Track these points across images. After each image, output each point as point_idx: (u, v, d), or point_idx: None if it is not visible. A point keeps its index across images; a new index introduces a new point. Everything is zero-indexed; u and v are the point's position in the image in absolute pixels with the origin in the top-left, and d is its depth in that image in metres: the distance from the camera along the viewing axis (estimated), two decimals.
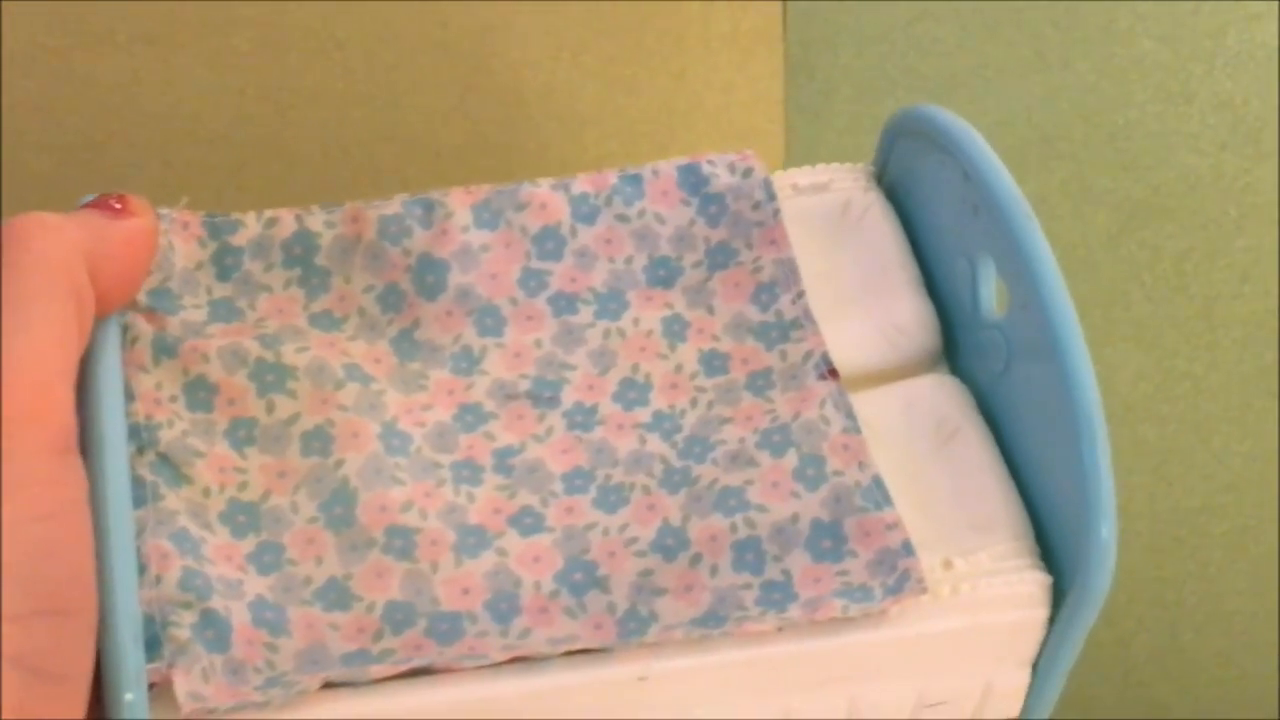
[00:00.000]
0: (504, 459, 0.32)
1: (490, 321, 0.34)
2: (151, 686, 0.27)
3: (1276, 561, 0.58)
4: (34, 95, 0.51)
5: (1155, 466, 0.57)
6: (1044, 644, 0.32)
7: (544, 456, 0.32)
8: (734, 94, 0.53)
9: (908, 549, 0.30)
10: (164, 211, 0.33)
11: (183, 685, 0.27)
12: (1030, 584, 0.31)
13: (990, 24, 0.54)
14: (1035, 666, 0.32)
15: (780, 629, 0.30)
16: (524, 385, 0.33)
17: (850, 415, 0.32)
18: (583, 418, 0.33)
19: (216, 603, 0.28)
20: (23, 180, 0.51)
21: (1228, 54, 0.55)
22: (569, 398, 0.33)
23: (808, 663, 0.30)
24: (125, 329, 0.31)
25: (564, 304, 0.34)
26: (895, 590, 0.30)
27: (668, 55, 0.53)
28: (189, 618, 0.28)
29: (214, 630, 0.28)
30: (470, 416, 0.33)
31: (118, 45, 0.50)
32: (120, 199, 0.29)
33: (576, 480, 0.32)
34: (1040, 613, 0.31)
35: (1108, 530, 0.30)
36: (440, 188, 0.35)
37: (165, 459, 0.30)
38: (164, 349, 0.31)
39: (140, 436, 0.30)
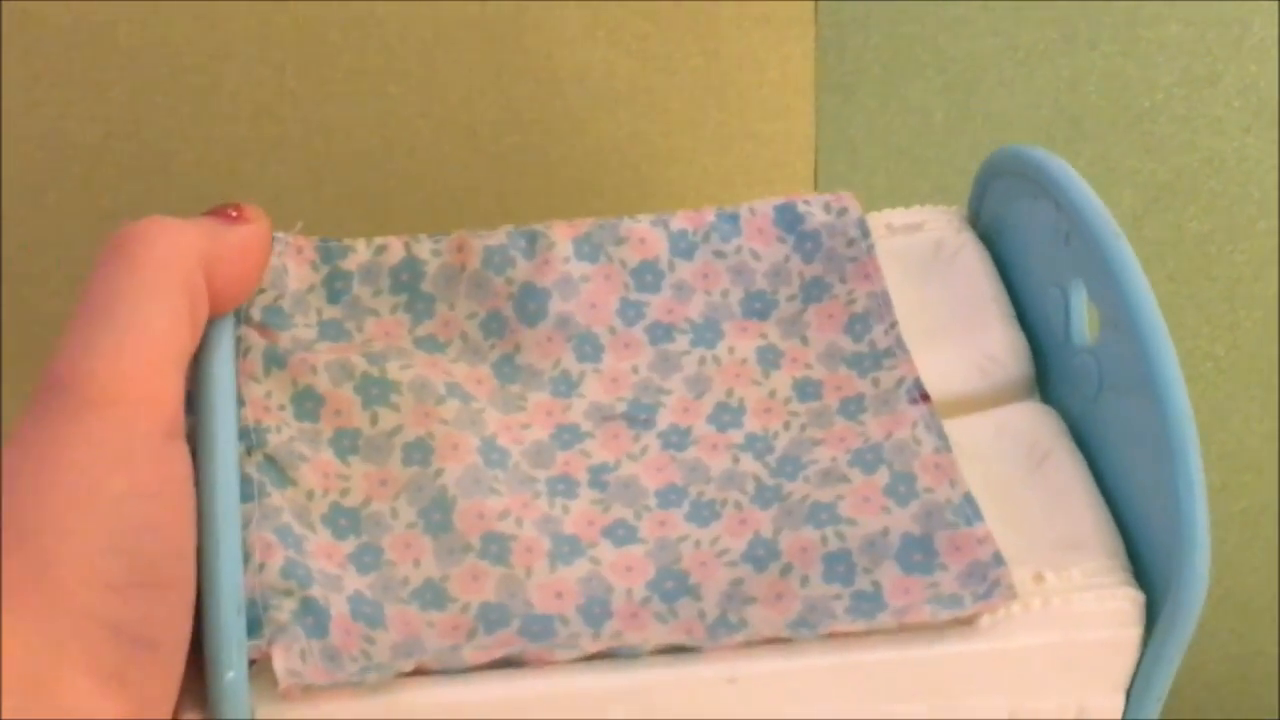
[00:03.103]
0: (599, 475, 0.33)
1: (589, 348, 0.35)
2: (251, 664, 0.28)
3: None
4: (77, 68, 0.51)
5: None
6: (1137, 668, 0.31)
7: (638, 473, 0.33)
8: (766, 73, 0.54)
9: (998, 560, 0.30)
10: (279, 235, 0.34)
11: (281, 662, 0.28)
12: (1123, 600, 0.31)
13: (1018, 7, 0.54)
14: (1129, 694, 0.32)
15: (869, 633, 0.30)
16: (620, 407, 0.34)
17: (942, 436, 0.33)
18: (677, 438, 0.34)
19: (316, 592, 0.29)
20: (68, 153, 0.52)
21: (1253, 38, 0.55)
22: (664, 420, 0.34)
23: (898, 671, 0.30)
24: (239, 340, 0.33)
25: (661, 333, 0.35)
26: (985, 596, 0.30)
27: (701, 34, 0.54)
28: (290, 604, 0.29)
29: (313, 618, 0.29)
30: (567, 435, 0.33)
31: (161, 20, 0.50)
32: (236, 207, 0.31)
33: (670, 496, 0.32)
34: (1133, 632, 0.31)
35: (1202, 560, 0.30)
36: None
37: (272, 460, 0.31)
38: (274, 360, 0.33)
39: (249, 438, 0.31)
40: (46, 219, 0.53)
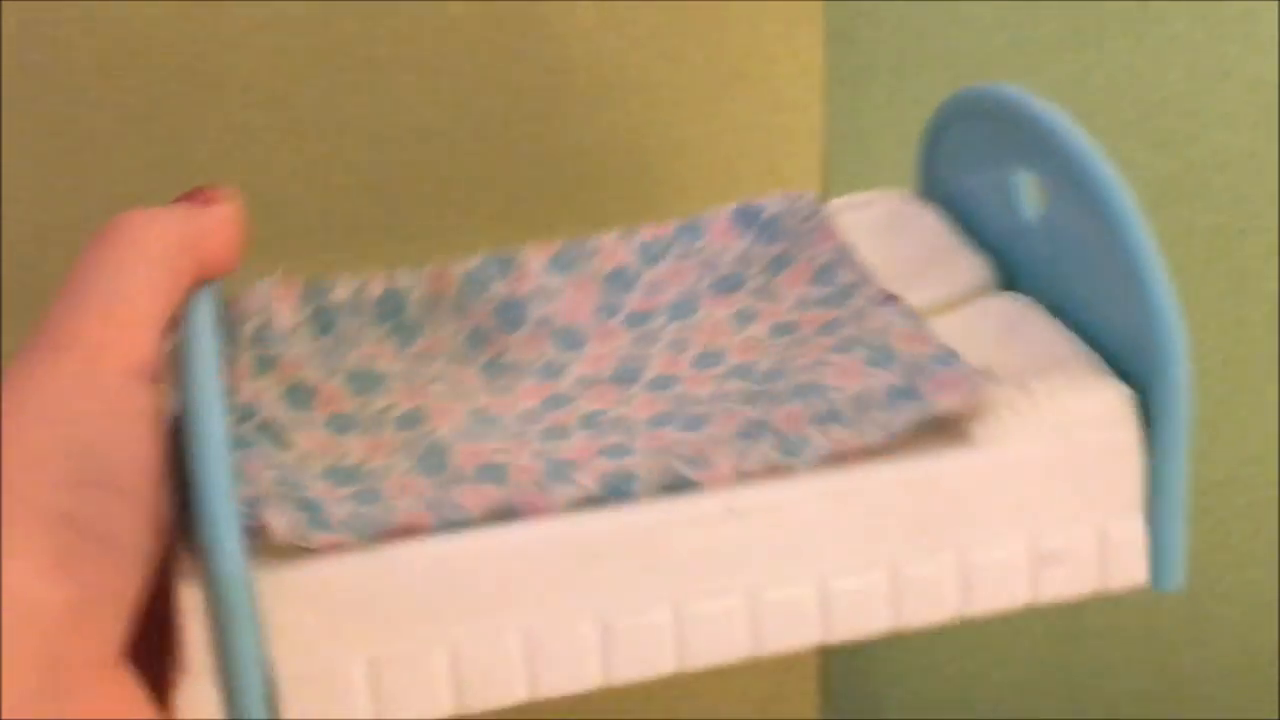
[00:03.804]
0: (590, 419, 0.33)
1: (571, 339, 0.36)
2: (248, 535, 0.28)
3: None
4: (93, 55, 0.52)
5: None
6: (1149, 485, 0.32)
7: (628, 413, 0.33)
8: (776, 65, 0.54)
9: (981, 372, 0.31)
10: (263, 280, 0.36)
11: (276, 521, 0.28)
12: (1112, 396, 0.31)
13: (1027, 1, 0.54)
14: (1149, 518, 0.32)
15: (866, 455, 0.30)
16: (606, 374, 0.35)
17: (914, 317, 0.34)
18: (663, 383, 0.34)
19: (312, 495, 0.30)
20: (82, 140, 0.52)
21: (1262, 34, 0.55)
22: (649, 373, 0.34)
23: (900, 496, 0.31)
24: (229, 352, 0.34)
25: (639, 319, 0.36)
26: (943, 365, 0.31)
27: (711, 25, 0.54)
28: (285, 500, 0.29)
29: (310, 513, 0.29)
30: (556, 400, 0.34)
31: (173, 6, 0.51)
32: (206, 191, 0.33)
33: (661, 419, 0.33)
34: (1130, 434, 0.31)
35: (1179, 344, 0.31)
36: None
37: (267, 427, 0.32)
38: (265, 364, 0.34)
39: (241, 411, 0.32)
40: (56, 206, 0.53)
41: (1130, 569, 0.32)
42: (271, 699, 0.29)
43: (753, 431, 0.31)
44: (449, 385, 0.34)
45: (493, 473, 0.31)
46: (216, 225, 0.33)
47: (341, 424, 0.33)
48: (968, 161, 0.38)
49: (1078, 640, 0.60)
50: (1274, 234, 0.57)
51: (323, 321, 0.36)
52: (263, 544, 0.29)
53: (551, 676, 0.30)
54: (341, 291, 0.36)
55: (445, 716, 0.30)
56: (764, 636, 0.31)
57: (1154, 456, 0.31)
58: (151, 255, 0.31)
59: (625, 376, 0.34)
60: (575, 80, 0.54)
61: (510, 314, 0.36)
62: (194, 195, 0.33)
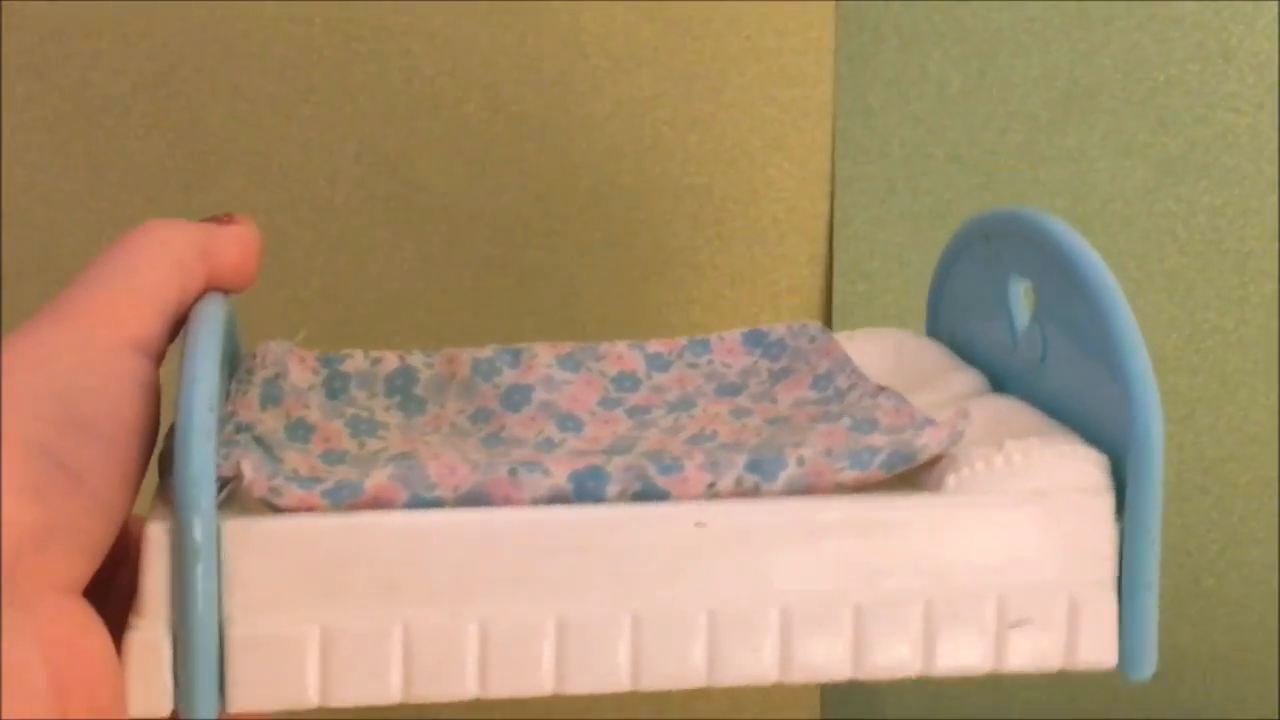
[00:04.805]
0: (576, 456, 0.33)
1: (570, 422, 0.36)
2: (223, 487, 0.29)
3: None
4: (106, 22, 0.52)
5: (1184, 416, 0.58)
6: (1120, 553, 0.31)
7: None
8: (786, 40, 0.55)
9: (963, 424, 0.32)
10: (282, 341, 0.37)
11: (249, 469, 0.29)
12: (1085, 459, 0.31)
13: None
14: (1120, 589, 0.31)
15: (837, 490, 0.31)
16: (599, 448, 0.35)
17: (903, 399, 0.34)
18: (653, 454, 0.34)
19: (290, 466, 0.30)
20: (101, 104, 0.53)
21: (1267, 15, 0.56)
22: (640, 447, 0.34)
23: (869, 531, 0.30)
24: (235, 383, 0.35)
25: (639, 411, 0.37)
26: (936, 429, 0.31)
27: (723, 1, 0.54)
28: (262, 461, 0.30)
29: (283, 470, 0.30)
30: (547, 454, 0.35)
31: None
32: (226, 216, 0.35)
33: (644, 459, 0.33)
34: (1102, 499, 0.31)
35: (1153, 412, 0.30)
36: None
37: (260, 440, 0.32)
38: (270, 398, 0.35)
39: (238, 424, 0.32)
40: (73, 171, 0.53)
41: (1100, 646, 0.31)
42: (222, 657, 0.29)
43: (728, 453, 0.31)
44: (446, 441, 0.35)
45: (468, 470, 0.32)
46: (234, 240, 0.34)
47: (335, 458, 0.33)
48: (968, 289, 0.40)
49: None
50: (1276, 214, 0.57)
51: (334, 387, 0.37)
52: (233, 499, 0.29)
53: (503, 675, 0.30)
54: (355, 363, 0.37)
55: (393, 702, 0.30)
56: (720, 664, 0.30)
57: (1128, 531, 0.31)
58: (168, 252, 0.33)
59: (617, 449, 0.34)
60: (587, 52, 0.54)
61: (515, 397, 0.36)
62: (213, 218, 0.35)
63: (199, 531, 0.28)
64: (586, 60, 0.54)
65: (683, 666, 0.30)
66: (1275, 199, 0.57)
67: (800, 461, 0.31)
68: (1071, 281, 0.33)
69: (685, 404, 0.37)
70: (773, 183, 0.56)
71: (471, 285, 0.55)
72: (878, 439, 0.32)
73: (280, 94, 0.53)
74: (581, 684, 0.30)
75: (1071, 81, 0.56)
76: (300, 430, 0.34)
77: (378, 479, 0.29)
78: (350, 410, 0.36)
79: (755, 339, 0.39)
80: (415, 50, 0.53)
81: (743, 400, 0.37)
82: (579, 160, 0.55)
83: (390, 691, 0.29)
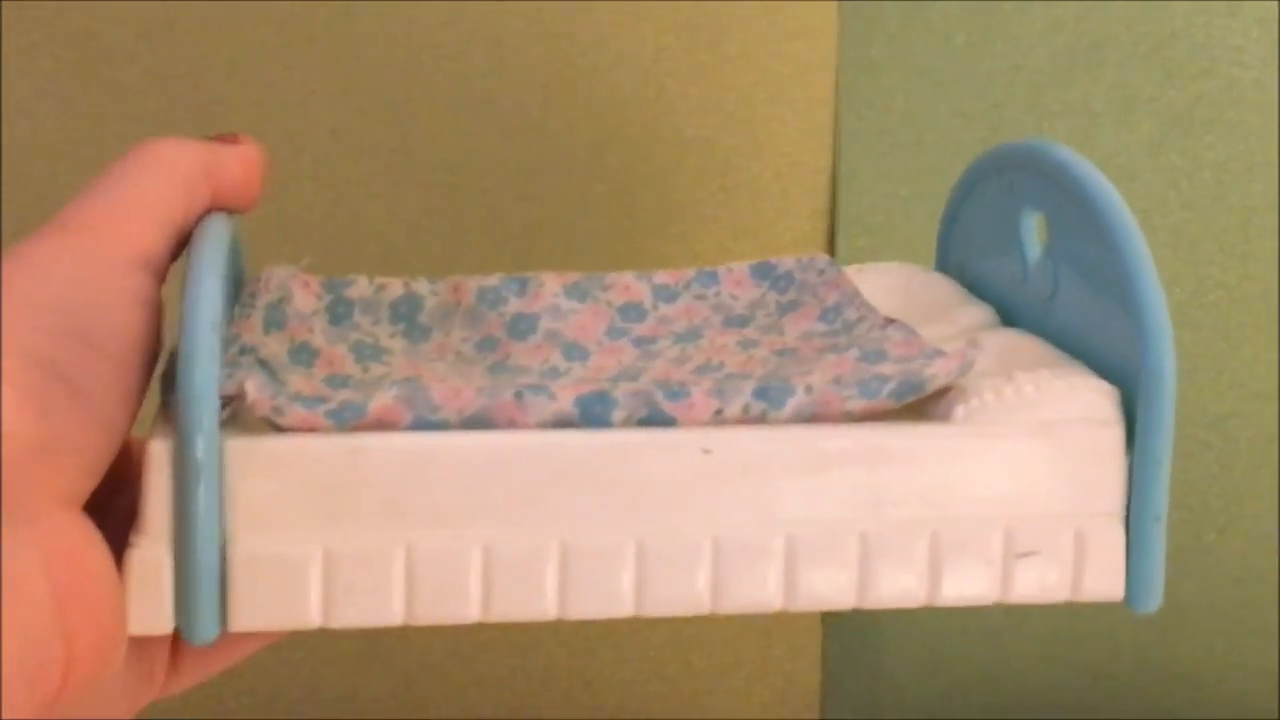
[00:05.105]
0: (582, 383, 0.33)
1: (576, 351, 0.36)
2: (225, 406, 0.29)
3: None
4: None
5: (1187, 371, 0.58)
6: (1129, 487, 0.31)
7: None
8: None
9: (974, 353, 0.32)
10: (287, 266, 0.36)
11: (253, 387, 0.29)
12: (1095, 390, 0.31)
13: None
14: (1128, 523, 0.31)
15: (845, 418, 0.30)
16: (605, 377, 0.34)
17: (912, 331, 0.34)
18: (661, 383, 0.34)
19: (294, 388, 0.30)
20: (102, 55, 0.53)
21: None
22: (647, 377, 0.34)
23: (876, 461, 0.30)
24: (239, 304, 0.34)
25: (645, 341, 0.36)
26: (945, 359, 0.31)
27: None
28: (266, 380, 0.29)
29: (286, 390, 0.30)
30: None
31: None
32: (231, 135, 0.35)
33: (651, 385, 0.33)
34: (1113, 433, 0.31)
35: (1165, 343, 0.30)
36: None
37: (263, 363, 0.32)
38: (274, 323, 0.34)
39: (241, 346, 0.32)
40: (74, 122, 0.53)
41: (1107, 579, 0.31)
42: (223, 576, 0.28)
43: (735, 381, 0.31)
44: (451, 368, 0.34)
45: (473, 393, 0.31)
46: (238, 159, 0.34)
47: (338, 382, 0.33)
48: (979, 223, 0.39)
49: None
50: None
51: (338, 312, 0.36)
52: (236, 418, 0.29)
53: (506, 599, 0.29)
54: (359, 289, 0.37)
55: (395, 624, 0.29)
56: (724, 592, 0.30)
57: (1137, 463, 0.31)
58: (172, 170, 0.32)
59: (623, 378, 0.34)
60: (591, 4, 0.54)
61: (521, 326, 0.36)
62: (218, 137, 0.35)
63: (201, 450, 0.28)
64: (590, 12, 0.54)
65: (687, 593, 0.30)
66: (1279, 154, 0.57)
67: (808, 389, 0.30)
68: (1086, 215, 0.33)
69: (692, 335, 0.37)
70: (776, 136, 0.56)
71: (473, 237, 0.55)
72: (887, 368, 0.32)
73: (281, 45, 0.53)
74: (585, 609, 0.30)
75: (1076, 35, 0.56)
76: (304, 354, 0.34)
77: (382, 400, 0.29)
78: (354, 336, 0.35)
79: (763, 271, 0.39)
80: (418, 1, 0.53)
81: (750, 332, 0.37)
82: (582, 114, 0.55)
83: (393, 613, 0.29)
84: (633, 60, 0.54)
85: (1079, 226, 0.34)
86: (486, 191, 0.55)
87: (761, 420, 0.30)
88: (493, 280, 0.37)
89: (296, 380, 0.32)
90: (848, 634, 0.60)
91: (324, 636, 0.55)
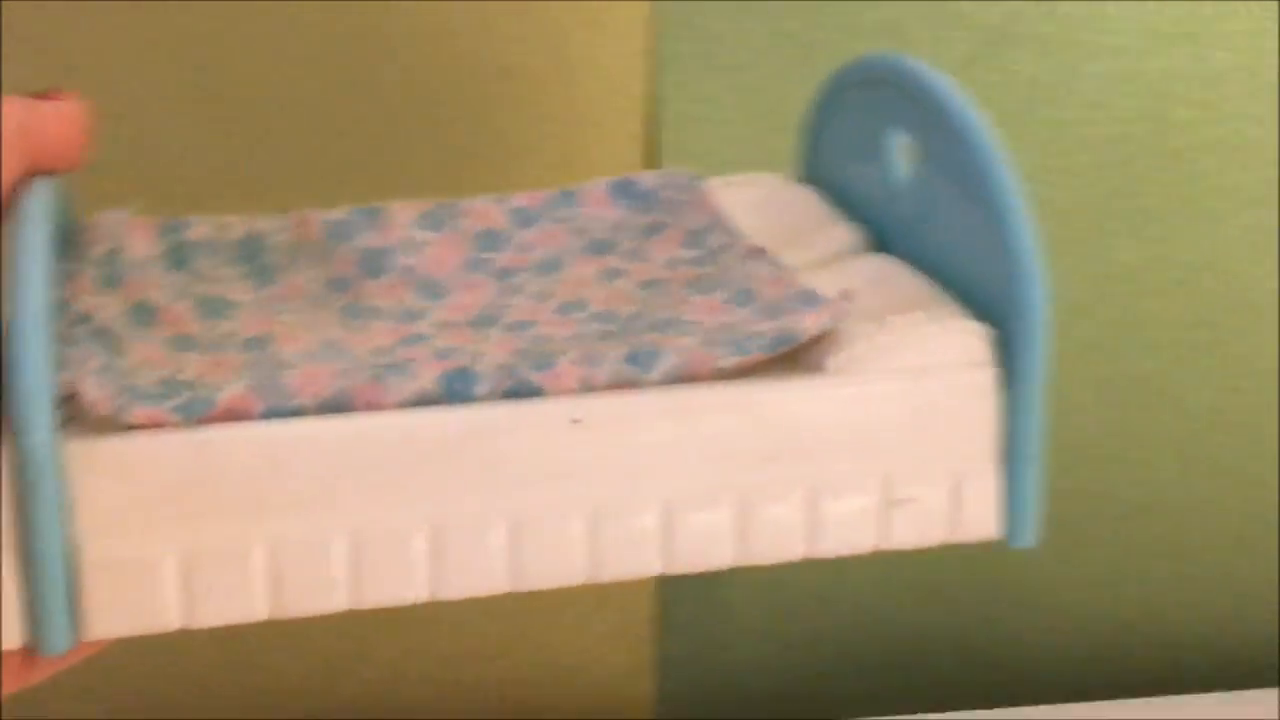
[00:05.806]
0: (443, 355, 0.32)
1: (433, 289, 0.34)
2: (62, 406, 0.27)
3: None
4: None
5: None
6: (1007, 431, 0.31)
7: (485, 350, 0.32)
8: None
9: (845, 302, 0.31)
10: (116, 213, 0.34)
11: (91, 390, 0.27)
12: (968, 333, 0.31)
13: None
14: (1007, 468, 0.31)
15: (714, 375, 0.30)
16: (464, 319, 0.33)
17: (781, 265, 0.33)
18: (522, 327, 0.33)
19: (135, 382, 0.28)
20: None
21: None
22: (508, 318, 0.33)
23: (749, 418, 0.30)
24: (69, 267, 0.32)
25: (504, 274, 0.35)
26: (818, 309, 0.30)
27: None
28: (105, 378, 0.28)
29: (128, 388, 0.28)
30: (410, 340, 0.33)
31: None
32: (51, 89, 0.33)
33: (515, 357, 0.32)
34: (986, 375, 0.31)
35: (1037, 283, 0.30)
36: None
37: (101, 333, 0.30)
38: (110, 281, 0.32)
39: (75, 316, 0.30)
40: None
41: (982, 519, 0.32)
42: (74, 585, 0.27)
43: (602, 346, 0.30)
44: (301, 319, 0.33)
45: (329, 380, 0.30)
46: (57, 118, 0.32)
47: (182, 344, 0.31)
48: (843, 136, 0.38)
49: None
50: (1093, 81, 0.58)
51: (177, 257, 0.34)
52: (76, 418, 0.28)
53: (376, 585, 0.29)
54: (200, 230, 0.35)
55: (259, 619, 0.28)
56: (603, 562, 0.30)
57: (1011, 404, 0.31)
58: None
59: (483, 321, 0.33)
60: None
61: (373, 263, 0.34)
62: (38, 94, 0.33)
63: (39, 456, 0.26)
64: None
65: (564, 566, 0.29)
66: (1092, 67, 0.58)
67: (679, 351, 0.30)
68: (959, 146, 0.32)
69: (553, 265, 0.35)
70: (591, 61, 0.55)
71: (285, 177, 0.54)
72: (760, 324, 0.31)
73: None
74: (458, 589, 0.29)
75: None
76: (144, 314, 0.32)
77: (232, 391, 0.28)
78: (198, 287, 0.33)
79: (623, 189, 0.38)
80: None
81: (612, 260, 0.36)
82: (392, 44, 0.53)
83: (256, 609, 0.28)
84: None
85: (949, 153, 0.33)
86: (294, 129, 0.53)
87: (632, 384, 0.30)
88: (340, 213, 0.36)
89: (139, 349, 0.30)
90: None
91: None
